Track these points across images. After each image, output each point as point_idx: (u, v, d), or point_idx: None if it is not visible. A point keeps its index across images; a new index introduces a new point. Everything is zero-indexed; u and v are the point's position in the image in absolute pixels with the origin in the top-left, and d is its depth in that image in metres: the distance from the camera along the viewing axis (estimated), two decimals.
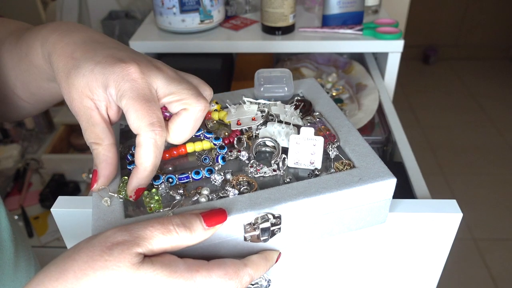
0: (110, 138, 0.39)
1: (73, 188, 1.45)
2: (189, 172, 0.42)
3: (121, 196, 0.39)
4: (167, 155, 0.45)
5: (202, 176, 0.42)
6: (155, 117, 0.37)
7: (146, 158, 0.37)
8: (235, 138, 0.46)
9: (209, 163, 0.44)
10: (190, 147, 0.45)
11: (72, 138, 1.57)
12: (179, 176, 0.42)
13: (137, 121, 0.36)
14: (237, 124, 0.47)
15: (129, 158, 0.44)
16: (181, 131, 0.39)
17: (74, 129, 1.59)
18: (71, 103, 0.39)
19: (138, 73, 0.37)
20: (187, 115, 0.39)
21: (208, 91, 0.43)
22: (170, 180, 0.41)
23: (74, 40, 0.40)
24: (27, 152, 1.56)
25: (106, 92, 0.37)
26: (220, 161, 0.43)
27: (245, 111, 0.49)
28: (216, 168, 0.43)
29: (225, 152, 0.44)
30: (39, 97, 0.50)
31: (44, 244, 1.28)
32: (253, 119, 0.47)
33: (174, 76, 0.39)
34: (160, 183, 0.41)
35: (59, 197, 0.47)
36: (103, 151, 0.38)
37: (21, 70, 0.47)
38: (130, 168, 0.43)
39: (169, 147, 0.46)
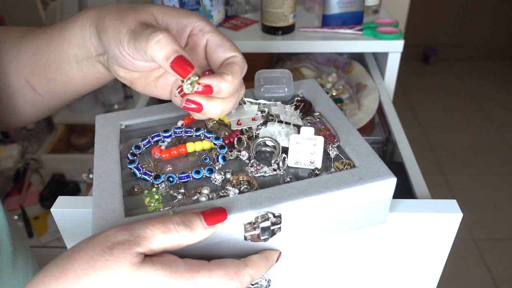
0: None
1: (73, 188, 1.45)
2: (190, 172, 0.42)
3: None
4: (167, 155, 0.45)
5: (203, 175, 0.42)
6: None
7: (237, 75, 0.38)
8: (236, 138, 0.46)
9: (210, 162, 0.44)
10: (190, 147, 0.45)
11: (72, 138, 1.57)
12: (180, 175, 0.42)
13: (232, 48, 0.40)
14: (237, 124, 0.47)
15: (129, 157, 0.44)
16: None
17: (74, 129, 1.59)
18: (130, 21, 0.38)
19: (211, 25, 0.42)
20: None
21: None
22: (171, 179, 0.41)
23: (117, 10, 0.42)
24: (27, 152, 1.56)
25: (182, 26, 0.41)
26: (220, 160, 0.43)
27: (245, 111, 0.49)
28: (217, 167, 0.43)
29: (226, 152, 0.44)
30: (52, 84, 0.50)
31: (44, 244, 1.29)
32: (253, 119, 0.47)
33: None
34: (161, 182, 0.41)
35: (59, 197, 0.47)
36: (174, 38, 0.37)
37: (47, 51, 0.48)
38: (130, 167, 0.43)
39: (169, 147, 0.46)
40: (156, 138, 0.47)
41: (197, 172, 0.42)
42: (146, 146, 0.47)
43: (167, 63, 0.35)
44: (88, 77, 0.49)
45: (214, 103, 0.38)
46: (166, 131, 0.47)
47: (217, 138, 0.46)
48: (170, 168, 0.44)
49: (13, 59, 0.50)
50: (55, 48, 0.48)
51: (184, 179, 0.42)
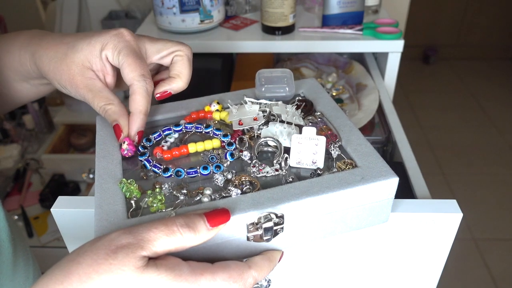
0: (116, 98, 0.45)
1: (73, 188, 1.44)
2: (198, 167, 0.42)
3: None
4: (169, 155, 0.45)
5: (210, 171, 0.42)
6: (146, 70, 0.44)
7: (141, 103, 0.43)
8: (237, 138, 0.46)
9: (217, 161, 0.44)
10: (192, 148, 0.45)
11: (72, 138, 1.56)
12: (188, 171, 0.42)
13: (131, 73, 0.43)
14: (239, 124, 0.47)
15: (140, 150, 0.46)
16: (183, 71, 0.47)
17: (74, 129, 1.59)
18: (72, 80, 0.44)
19: (130, 35, 0.45)
20: (181, 57, 0.47)
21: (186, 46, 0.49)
22: (179, 173, 0.42)
23: (56, 36, 0.47)
24: (27, 152, 1.55)
25: (102, 56, 0.44)
26: (228, 157, 0.44)
27: (246, 111, 0.49)
28: (225, 164, 0.43)
29: (233, 149, 0.45)
30: (8, 98, 0.54)
31: (44, 244, 1.28)
32: (255, 119, 0.47)
33: (156, 38, 0.48)
34: (169, 176, 0.42)
35: (59, 197, 0.47)
36: (118, 107, 0.45)
37: None
38: (141, 159, 0.44)
39: (171, 147, 0.46)
40: (167, 132, 0.48)
41: (205, 168, 0.42)
42: (157, 139, 0.48)
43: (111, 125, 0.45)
44: (46, 91, 0.54)
45: (140, 122, 0.45)
46: (177, 125, 0.49)
47: (225, 135, 0.46)
48: (172, 169, 0.44)
49: None
50: None
51: (192, 174, 0.42)
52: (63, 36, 0.46)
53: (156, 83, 0.47)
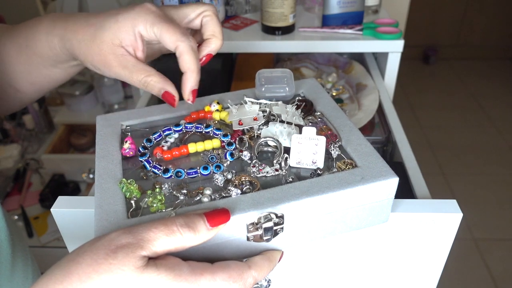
0: (153, 68, 0.45)
1: (73, 188, 1.44)
2: (198, 168, 0.42)
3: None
4: (169, 156, 0.45)
5: (211, 171, 0.42)
6: (184, 30, 0.44)
7: (190, 62, 0.43)
8: (237, 138, 0.46)
9: (217, 161, 0.44)
10: (192, 148, 0.45)
11: (72, 138, 1.56)
12: (188, 171, 0.42)
13: (172, 37, 0.43)
14: (239, 124, 0.47)
15: (140, 150, 0.46)
16: (216, 30, 0.48)
17: (74, 129, 1.59)
18: (105, 60, 0.45)
19: (155, 6, 0.45)
20: (210, 17, 0.48)
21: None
22: (179, 174, 0.42)
23: (79, 17, 0.47)
24: (27, 152, 1.55)
25: (135, 32, 0.44)
26: (228, 157, 0.44)
27: (246, 111, 0.49)
28: (225, 164, 0.43)
29: (233, 149, 0.45)
30: (38, 86, 0.54)
31: (44, 244, 1.28)
32: (255, 119, 0.47)
33: (178, 5, 0.48)
34: (169, 176, 0.42)
35: (59, 197, 0.47)
36: (158, 76, 0.45)
37: (20, 62, 0.51)
38: (141, 159, 0.44)
39: (171, 147, 0.46)
40: (167, 132, 0.48)
41: (205, 168, 0.42)
42: (157, 140, 0.48)
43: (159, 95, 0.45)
44: (74, 71, 0.54)
45: (195, 81, 0.45)
46: (177, 125, 0.49)
47: (225, 135, 0.46)
48: (172, 170, 0.44)
49: None
50: (27, 61, 0.51)
51: (192, 174, 0.42)
52: (87, 17, 0.46)
53: None
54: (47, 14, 0.50)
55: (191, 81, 0.44)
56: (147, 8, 0.44)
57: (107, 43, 0.44)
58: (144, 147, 0.46)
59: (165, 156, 0.45)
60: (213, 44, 0.48)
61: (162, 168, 0.43)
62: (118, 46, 0.44)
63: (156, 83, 0.44)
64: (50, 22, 0.48)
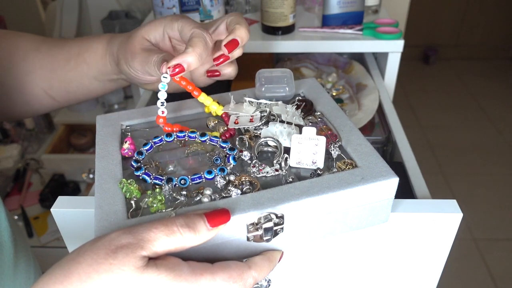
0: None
1: (73, 188, 1.45)
2: (202, 173, 0.41)
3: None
4: (169, 128, 0.47)
5: (215, 175, 0.41)
6: (204, 26, 0.49)
7: (197, 44, 0.45)
8: (237, 139, 0.46)
9: (221, 163, 0.44)
10: (201, 97, 0.49)
11: (72, 138, 1.56)
12: (192, 177, 0.41)
13: (190, 25, 0.47)
14: (235, 123, 0.47)
15: (133, 165, 0.43)
16: (241, 21, 0.49)
17: (74, 129, 1.59)
18: (133, 50, 0.49)
19: (183, 15, 0.51)
20: (234, 15, 0.50)
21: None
22: (183, 181, 0.41)
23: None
24: (27, 152, 1.56)
25: (164, 35, 0.51)
26: (231, 161, 0.43)
27: (242, 108, 0.49)
28: (228, 167, 0.42)
29: (236, 153, 0.44)
30: (72, 95, 0.59)
31: (44, 244, 1.28)
32: (251, 120, 0.47)
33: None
34: (174, 185, 0.40)
35: (59, 197, 0.47)
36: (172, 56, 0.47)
37: (65, 70, 0.56)
38: (138, 174, 0.42)
39: (173, 123, 0.47)
40: (158, 143, 0.46)
41: (209, 172, 0.41)
42: (148, 151, 0.46)
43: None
44: (109, 88, 0.59)
45: (189, 56, 0.44)
46: (169, 135, 0.46)
47: (224, 141, 0.45)
48: (172, 168, 0.44)
49: (29, 72, 0.55)
50: (74, 68, 0.56)
51: (196, 180, 0.41)
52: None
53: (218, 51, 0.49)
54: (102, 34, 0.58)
55: (183, 56, 0.44)
56: (178, 15, 0.50)
57: (138, 36, 0.50)
58: (136, 161, 0.44)
59: (166, 128, 0.46)
60: (237, 31, 0.47)
61: (164, 178, 0.41)
62: (146, 40, 0.50)
63: (168, 57, 0.46)
64: (107, 37, 0.55)
